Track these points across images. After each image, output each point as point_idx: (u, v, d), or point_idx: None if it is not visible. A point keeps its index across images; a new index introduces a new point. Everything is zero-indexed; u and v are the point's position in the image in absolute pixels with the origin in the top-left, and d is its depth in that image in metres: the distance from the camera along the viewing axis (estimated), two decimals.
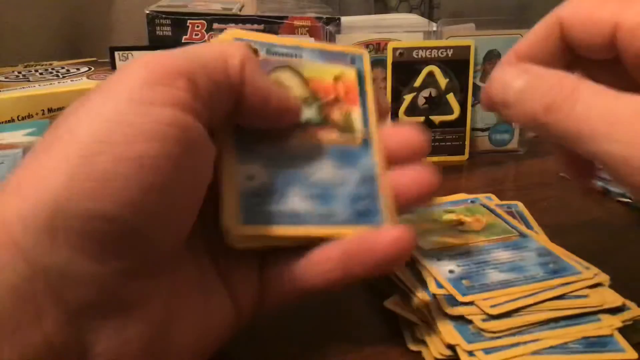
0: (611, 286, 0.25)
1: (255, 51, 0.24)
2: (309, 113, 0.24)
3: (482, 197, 0.33)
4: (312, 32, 0.50)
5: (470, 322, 0.23)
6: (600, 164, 0.20)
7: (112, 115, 0.18)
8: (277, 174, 0.23)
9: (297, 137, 0.24)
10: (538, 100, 0.21)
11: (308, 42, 0.26)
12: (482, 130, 0.46)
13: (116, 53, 0.45)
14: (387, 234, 0.22)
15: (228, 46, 0.21)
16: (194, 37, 0.51)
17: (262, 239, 0.22)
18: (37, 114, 0.50)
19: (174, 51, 0.20)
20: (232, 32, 0.24)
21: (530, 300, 0.24)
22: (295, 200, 0.23)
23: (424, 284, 0.25)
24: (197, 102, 0.19)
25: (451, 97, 0.44)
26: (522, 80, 0.22)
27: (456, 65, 0.43)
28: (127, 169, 0.17)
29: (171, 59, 0.19)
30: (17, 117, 0.49)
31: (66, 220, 0.16)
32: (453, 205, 0.32)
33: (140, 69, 0.19)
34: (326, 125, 0.24)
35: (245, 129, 0.23)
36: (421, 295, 0.24)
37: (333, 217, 0.23)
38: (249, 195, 0.22)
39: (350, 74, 0.25)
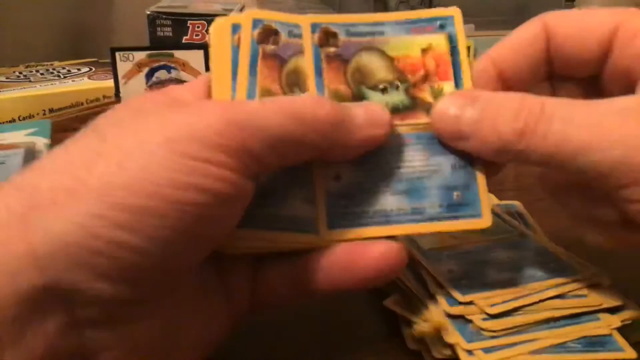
0: (610, 286, 0.25)
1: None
2: (396, 97, 0.22)
3: None
4: None
5: (469, 321, 0.23)
6: (591, 177, 0.20)
7: (165, 161, 0.17)
8: (363, 172, 0.22)
9: None
10: (506, 126, 0.20)
11: (390, 14, 0.23)
12: None
13: (117, 54, 0.45)
14: (374, 249, 0.21)
15: (302, 111, 0.20)
16: (194, 37, 0.51)
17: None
18: (38, 114, 0.50)
19: (243, 114, 0.19)
20: (308, 18, 0.22)
21: (530, 300, 0.24)
22: (385, 198, 0.21)
23: (423, 284, 0.25)
24: (253, 167, 0.19)
25: None
26: (474, 109, 0.21)
27: None
28: (166, 210, 0.17)
29: (235, 130, 0.18)
30: (19, 117, 0.49)
31: (94, 244, 0.16)
32: None
33: (205, 129, 0.18)
34: (416, 109, 0.22)
35: None
36: (421, 295, 0.24)
37: (425, 213, 0.22)
38: (334, 197, 0.21)
39: (440, 42, 0.23)
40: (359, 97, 0.22)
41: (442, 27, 0.23)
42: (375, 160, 0.22)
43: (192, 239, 0.18)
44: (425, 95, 0.23)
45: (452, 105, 0.22)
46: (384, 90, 0.23)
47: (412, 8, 0.98)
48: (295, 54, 0.22)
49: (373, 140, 0.21)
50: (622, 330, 0.23)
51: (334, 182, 0.21)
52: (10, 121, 0.49)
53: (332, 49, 0.23)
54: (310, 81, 0.22)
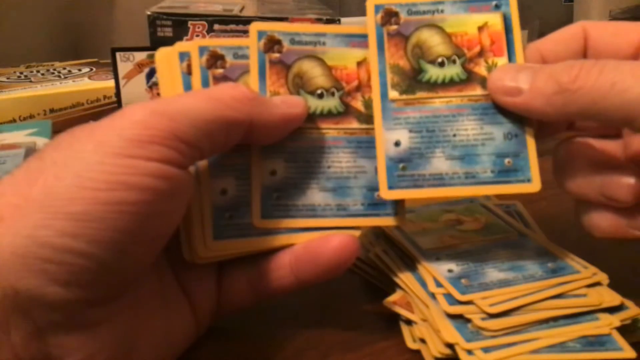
0: (610, 285, 0.25)
1: (222, 56, 0.24)
2: (453, 71, 0.24)
3: (480, 196, 0.33)
4: None
5: (469, 320, 0.23)
6: (633, 110, 0.21)
7: (97, 165, 0.18)
8: (421, 138, 0.23)
9: (441, 97, 0.24)
10: (562, 72, 0.22)
11: None
12: None
13: (117, 54, 0.45)
14: (332, 241, 0.23)
15: (220, 94, 0.21)
16: (195, 38, 0.51)
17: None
18: (38, 114, 0.50)
19: (165, 104, 0.20)
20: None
21: (529, 299, 0.24)
22: (440, 162, 0.23)
23: (423, 283, 0.25)
24: (185, 154, 0.19)
25: None
26: (530, 69, 0.23)
27: None
28: (105, 212, 0.18)
29: (160, 118, 0.19)
30: (19, 117, 0.49)
31: (41, 253, 0.17)
32: (452, 205, 0.32)
33: (131, 125, 0.19)
34: (472, 82, 0.24)
35: None
36: (420, 294, 0.24)
37: (477, 177, 0.23)
38: (394, 161, 0.23)
39: (495, 21, 0.24)
40: (418, 70, 0.24)
41: (497, 7, 0.25)
42: (432, 127, 0.24)
43: (137, 238, 0.19)
44: (481, 69, 0.24)
45: (510, 67, 0.24)
46: (441, 64, 0.24)
47: None
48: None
49: (292, 117, 0.23)
50: (621, 329, 0.23)
51: (270, 176, 0.23)
52: (10, 121, 0.49)
53: (393, 27, 0.24)
54: (373, 58, 0.24)
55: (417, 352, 0.24)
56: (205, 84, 0.24)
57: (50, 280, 0.17)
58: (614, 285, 0.25)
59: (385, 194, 0.23)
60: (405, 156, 0.23)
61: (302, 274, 0.23)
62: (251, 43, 0.24)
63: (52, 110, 0.50)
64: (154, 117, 0.19)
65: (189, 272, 0.23)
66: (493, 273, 0.25)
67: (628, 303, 0.24)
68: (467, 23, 0.24)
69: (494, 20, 0.24)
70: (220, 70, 0.24)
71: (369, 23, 0.25)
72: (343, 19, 0.51)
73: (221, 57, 0.24)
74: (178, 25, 0.51)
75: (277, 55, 0.24)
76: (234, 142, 0.22)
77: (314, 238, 0.23)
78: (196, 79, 0.24)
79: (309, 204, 0.23)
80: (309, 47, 0.24)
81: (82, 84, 0.54)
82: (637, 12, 0.77)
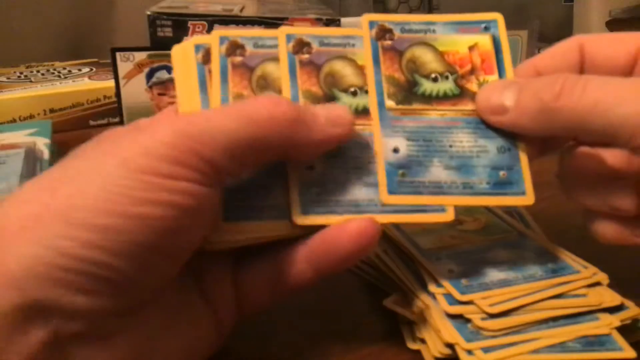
0: (610, 285, 0.25)
1: (242, 45, 0.24)
2: (446, 86, 0.25)
3: None
4: None
5: (469, 321, 0.23)
6: (617, 130, 0.21)
7: (121, 180, 0.18)
8: (419, 147, 0.24)
9: (436, 110, 0.24)
10: (545, 90, 0.22)
11: (440, 16, 0.26)
12: None
13: (117, 54, 0.45)
14: (349, 227, 0.21)
15: (255, 112, 0.20)
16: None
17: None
18: (38, 114, 0.50)
19: (193, 124, 0.19)
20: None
21: (529, 300, 0.24)
22: (438, 171, 0.23)
23: (423, 283, 0.25)
24: (210, 176, 0.19)
25: None
26: (516, 86, 0.23)
27: None
28: (129, 226, 0.18)
29: (186, 140, 0.19)
30: (19, 117, 0.49)
31: (63, 263, 0.17)
32: None
33: (156, 145, 0.19)
34: (464, 97, 0.25)
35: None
36: (420, 294, 0.24)
37: (474, 188, 0.23)
38: (393, 167, 0.23)
39: (485, 41, 0.25)
40: (413, 82, 0.25)
41: (486, 29, 0.26)
42: (429, 137, 0.24)
43: (160, 252, 0.19)
44: (472, 85, 0.25)
45: (496, 85, 0.24)
46: (435, 80, 0.25)
47: (411, 9, 0.98)
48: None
49: (335, 139, 0.22)
50: (621, 329, 0.23)
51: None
52: (10, 121, 0.49)
53: (388, 42, 0.25)
54: (370, 70, 0.25)
55: (417, 353, 0.24)
56: (224, 72, 0.24)
57: (72, 289, 0.17)
58: (614, 285, 0.25)
59: (386, 198, 0.23)
60: (404, 163, 0.23)
61: (321, 265, 0.22)
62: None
63: (52, 110, 0.50)
64: (180, 138, 0.19)
65: (206, 276, 0.22)
66: (493, 273, 0.25)
67: (628, 303, 0.24)
68: (458, 43, 0.25)
69: (484, 40, 0.25)
70: (239, 58, 0.24)
71: (364, 37, 0.25)
72: (343, 19, 0.51)
73: (241, 47, 0.24)
74: (178, 25, 0.51)
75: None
76: (267, 162, 0.21)
77: (329, 226, 0.22)
78: (215, 66, 0.24)
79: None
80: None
81: (82, 84, 0.54)
82: (637, 12, 0.77)
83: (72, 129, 0.51)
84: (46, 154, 0.40)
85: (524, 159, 0.24)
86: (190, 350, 0.21)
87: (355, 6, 0.80)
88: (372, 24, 0.25)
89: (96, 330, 0.18)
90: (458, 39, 0.25)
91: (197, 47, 0.24)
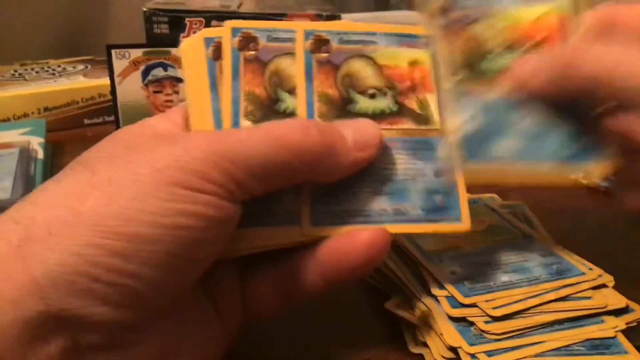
0: (615, 287, 0.25)
1: (255, 38, 0.23)
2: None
3: (485, 197, 0.33)
4: None
5: (472, 324, 0.23)
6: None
7: (153, 190, 0.18)
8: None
9: None
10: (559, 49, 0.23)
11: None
12: None
13: (113, 51, 0.44)
14: (361, 238, 0.21)
15: (289, 138, 0.20)
16: (191, 35, 0.51)
17: None
18: (33, 112, 0.49)
19: (227, 145, 0.19)
20: (302, 24, 0.23)
21: (534, 302, 0.23)
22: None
23: (425, 286, 0.25)
24: (238, 195, 0.20)
25: None
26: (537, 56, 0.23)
27: None
28: (159, 236, 0.18)
29: (220, 160, 0.19)
30: (13, 116, 0.49)
31: (92, 272, 0.17)
32: None
33: (189, 160, 0.19)
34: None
35: None
36: (423, 297, 0.24)
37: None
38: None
39: (425, 58, 0.24)
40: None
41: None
42: None
43: (186, 261, 0.19)
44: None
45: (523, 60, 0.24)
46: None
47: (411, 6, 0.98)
48: (347, 59, 0.23)
49: (362, 162, 0.22)
50: (626, 332, 0.23)
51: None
52: (4, 120, 0.48)
53: (323, 55, 0.23)
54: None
55: (420, 356, 0.23)
56: (236, 66, 0.23)
57: (97, 300, 0.17)
58: (619, 287, 0.24)
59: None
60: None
61: (331, 275, 0.21)
62: (297, 45, 0.24)
63: (46, 109, 0.50)
64: (214, 157, 0.19)
65: (215, 285, 0.22)
66: (497, 275, 0.25)
67: (633, 305, 0.24)
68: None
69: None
70: (252, 53, 0.23)
71: (297, 49, 0.23)
72: (343, 15, 0.51)
73: (254, 39, 0.23)
74: (174, 22, 0.50)
75: (324, 55, 0.24)
76: (291, 184, 0.21)
77: (340, 235, 0.21)
78: (227, 61, 0.23)
79: (362, 209, 0.22)
80: (358, 46, 0.24)
81: (77, 81, 0.53)
82: None
83: (66, 128, 0.50)
84: (40, 153, 0.40)
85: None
86: (200, 357, 0.21)
87: (355, 1, 0.79)
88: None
89: (116, 341, 0.18)
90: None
91: (208, 41, 0.23)
